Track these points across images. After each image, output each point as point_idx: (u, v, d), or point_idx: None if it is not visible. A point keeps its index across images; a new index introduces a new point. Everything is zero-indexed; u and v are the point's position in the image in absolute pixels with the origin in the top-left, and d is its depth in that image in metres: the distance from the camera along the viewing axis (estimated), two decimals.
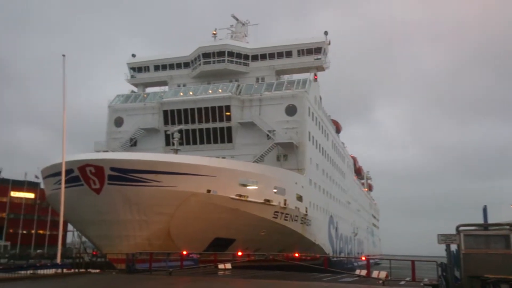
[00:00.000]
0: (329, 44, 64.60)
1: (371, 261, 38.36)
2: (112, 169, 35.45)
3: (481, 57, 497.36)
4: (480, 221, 29.43)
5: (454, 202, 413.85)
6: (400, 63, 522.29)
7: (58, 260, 33.54)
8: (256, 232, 43.38)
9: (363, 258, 44.75)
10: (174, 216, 37.66)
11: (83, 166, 35.40)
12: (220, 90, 58.03)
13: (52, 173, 39.55)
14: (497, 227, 25.34)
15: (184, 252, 35.29)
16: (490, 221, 28.97)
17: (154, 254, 34.77)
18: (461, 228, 24.82)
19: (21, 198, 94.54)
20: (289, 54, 63.06)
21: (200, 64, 63.18)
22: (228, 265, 36.72)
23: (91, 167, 35.34)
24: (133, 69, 69.78)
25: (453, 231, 24.90)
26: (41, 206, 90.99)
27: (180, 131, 52.24)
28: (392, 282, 28.34)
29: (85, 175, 35.61)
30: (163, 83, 68.66)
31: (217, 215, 39.05)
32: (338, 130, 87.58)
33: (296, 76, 64.23)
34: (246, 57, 63.48)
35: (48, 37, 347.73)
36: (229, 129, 56.58)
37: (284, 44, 63.68)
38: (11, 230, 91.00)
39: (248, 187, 41.25)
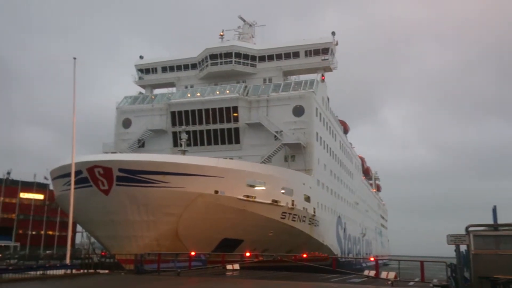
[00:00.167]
0: (337, 44, 64.48)
1: (379, 261, 38.20)
2: (121, 170, 35.63)
3: (487, 56, 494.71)
4: (490, 221, 29.20)
5: (464, 202, 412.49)
6: (406, 63, 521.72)
7: (68, 260, 33.70)
8: (264, 233, 43.35)
9: (372, 259, 44.62)
10: (182, 217, 37.75)
11: (92, 168, 35.60)
12: (227, 91, 58.12)
13: (61, 175, 39.82)
14: (507, 227, 25.11)
15: (192, 253, 35.36)
16: (500, 221, 28.71)
17: (162, 255, 34.88)
18: (471, 228, 24.61)
19: (30, 199, 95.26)
20: (296, 54, 62.98)
21: (207, 65, 63.30)
22: (236, 266, 36.75)
23: (100, 168, 35.54)
24: (140, 70, 70.09)
25: (463, 232, 24.72)
26: (50, 207, 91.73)
27: (187, 132, 52.39)
28: (401, 282, 28.23)
29: (93, 176, 35.81)
30: (170, 84, 68.91)
31: (225, 216, 39.09)
32: (345, 130, 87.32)
33: (303, 77, 64.15)
34: (253, 58, 63.50)
35: (54, 38, 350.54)
36: (236, 130, 56.62)
37: (291, 45, 63.63)
38: (20, 231, 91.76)
39: (255, 188, 41.27)
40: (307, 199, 50.15)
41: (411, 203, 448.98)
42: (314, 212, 51.81)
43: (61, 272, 31.05)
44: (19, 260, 60.08)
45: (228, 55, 62.29)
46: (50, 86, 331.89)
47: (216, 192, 38.43)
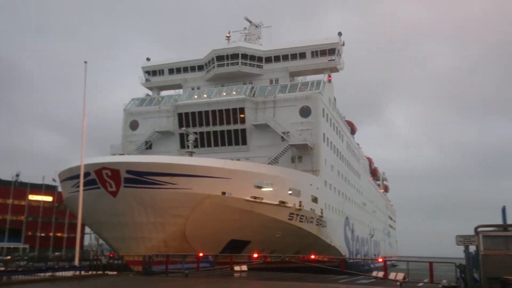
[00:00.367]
0: (343, 45, 64.33)
1: (388, 263, 38.04)
2: (128, 172, 35.75)
3: (493, 55, 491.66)
4: (499, 221, 29.00)
5: (472, 202, 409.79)
6: (409, 64, 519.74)
7: (76, 262, 33.90)
8: (272, 234, 43.32)
9: (380, 260, 44.42)
10: (190, 218, 37.80)
11: (100, 169, 35.75)
12: (234, 93, 58.15)
13: (69, 176, 40.02)
14: None
15: (200, 254, 35.41)
16: (509, 221, 28.53)
17: (170, 256, 34.94)
18: (480, 229, 24.48)
19: (39, 201, 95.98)
20: (302, 55, 62.91)
21: (214, 67, 63.40)
22: (244, 267, 36.74)
23: (108, 170, 35.68)
24: (147, 72, 70.33)
25: (472, 232, 24.58)
26: (59, 209, 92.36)
27: (194, 133, 52.52)
28: (410, 284, 28.08)
29: (101, 178, 35.96)
30: (177, 86, 69.10)
31: (232, 217, 39.09)
32: (353, 131, 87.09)
33: (310, 78, 64.04)
34: (259, 59, 63.50)
35: (59, 40, 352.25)
36: (243, 131, 56.65)
37: (298, 46, 63.54)
38: (29, 233, 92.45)
39: (263, 189, 41.22)
40: (315, 200, 50.06)
41: (419, 203, 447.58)
42: (322, 213, 51.70)
43: (70, 273, 31.28)
44: (28, 262, 60.61)
45: (234, 56, 62.34)
46: (57, 88, 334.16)
47: (223, 193, 38.45)
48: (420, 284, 28.47)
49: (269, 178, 42.17)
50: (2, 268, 35.53)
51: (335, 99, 65.52)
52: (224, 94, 58.57)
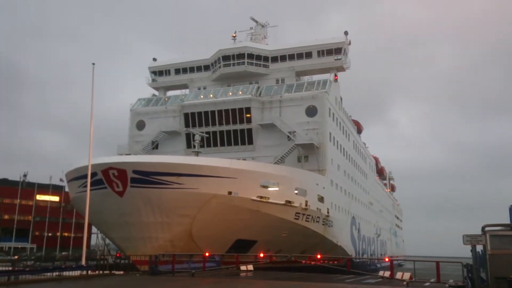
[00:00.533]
0: (349, 44, 64.24)
1: (394, 262, 37.93)
2: (135, 172, 35.88)
3: (497, 54, 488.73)
4: (506, 220, 28.84)
5: (480, 201, 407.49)
6: (413, 63, 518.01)
7: (83, 262, 34.07)
8: (278, 234, 43.30)
9: (387, 259, 44.31)
10: (196, 218, 37.88)
11: (107, 169, 35.89)
12: (240, 92, 58.19)
13: (76, 177, 40.23)
14: None
15: (207, 254, 35.46)
16: None
17: (176, 256, 35.02)
18: (487, 228, 24.32)
19: (46, 202, 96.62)
20: (309, 55, 62.85)
21: (220, 67, 63.48)
22: (250, 267, 36.77)
23: (114, 170, 35.81)
24: (154, 73, 70.55)
25: (479, 231, 24.44)
26: (66, 209, 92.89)
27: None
28: (417, 283, 27.97)
29: (108, 178, 36.10)
30: (183, 86, 69.27)
31: (239, 217, 39.12)
32: (359, 130, 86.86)
33: (316, 77, 63.94)
34: (265, 58, 63.50)
35: (63, 42, 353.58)
36: (249, 131, 56.67)
37: (304, 45, 63.50)
38: (37, 233, 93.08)
39: (269, 189, 41.22)
40: (321, 199, 49.97)
41: (425, 203, 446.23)
42: (328, 212, 51.61)
43: (76, 273, 31.43)
44: (35, 262, 60.89)
45: (240, 56, 62.38)
46: (59, 89, 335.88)
47: (230, 193, 38.48)
48: (427, 283, 28.35)
49: (275, 177, 42.15)
50: (10, 268, 35.74)
51: (341, 99, 65.36)
52: (230, 94, 58.62)
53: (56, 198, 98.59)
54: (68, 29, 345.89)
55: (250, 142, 56.70)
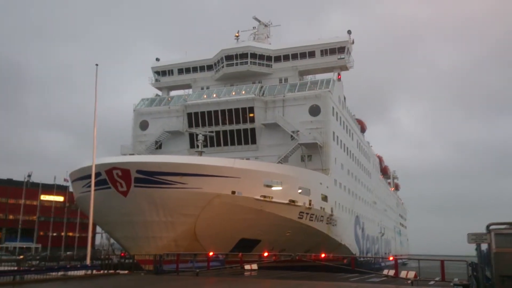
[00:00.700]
0: (353, 43, 64.10)
1: (399, 261, 37.85)
2: (138, 171, 35.96)
3: (499, 53, 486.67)
4: (511, 219, 28.72)
5: (484, 200, 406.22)
6: (416, 62, 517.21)
7: (88, 261, 34.14)
8: (282, 233, 43.30)
9: (391, 258, 44.20)
10: (200, 218, 37.92)
11: (110, 169, 35.98)
12: (243, 92, 58.16)
13: (80, 177, 40.33)
14: None
15: (211, 253, 35.50)
16: None
17: (181, 255, 35.08)
18: (492, 226, 24.23)
19: (50, 202, 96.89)
20: (312, 54, 62.78)
21: (223, 67, 63.51)
22: (254, 266, 36.78)
23: (118, 170, 35.90)
24: (157, 73, 70.65)
25: (483, 230, 24.36)
26: (70, 209, 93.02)
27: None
28: (421, 282, 27.91)
29: (112, 178, 36.19)
30: (187, 86, 69.33)
31: (242, 216, 39.14)
32: (362, 129, 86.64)
33: (319, 76, 63.86)
34: (268, 58, 63.48)
35: (64, 43, 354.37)
36: (252, 130, 56.67)
37: (307, 45, 63.40)
38: (41, 233, 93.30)
39: (272, 188, 41.23)
40: (325, 198, 49.92)
41: (430, 201, 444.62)
42: (332, 211, 51.56)
43: (81, 273, 31.51)
44: (40, 262, 61.04)
45: (243, 55, 62.38)
46: (60, 90, 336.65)
47: (233, 192, 38.52)
48: (432, 282, 28.30)
49: (278, 177, 42.15)
50: (15, 268, 35.85)
51: (344, 98, 65.27)
52: (233, 93, 58.62)
53: (60, 198, 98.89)
54: (69, 29, 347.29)
55: (254, 141, 56.70)
